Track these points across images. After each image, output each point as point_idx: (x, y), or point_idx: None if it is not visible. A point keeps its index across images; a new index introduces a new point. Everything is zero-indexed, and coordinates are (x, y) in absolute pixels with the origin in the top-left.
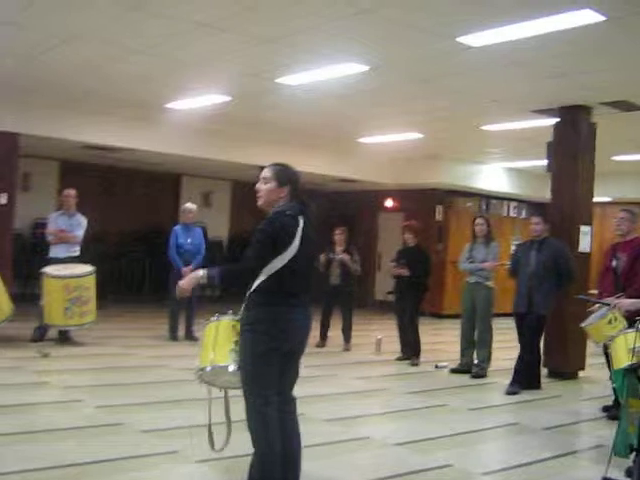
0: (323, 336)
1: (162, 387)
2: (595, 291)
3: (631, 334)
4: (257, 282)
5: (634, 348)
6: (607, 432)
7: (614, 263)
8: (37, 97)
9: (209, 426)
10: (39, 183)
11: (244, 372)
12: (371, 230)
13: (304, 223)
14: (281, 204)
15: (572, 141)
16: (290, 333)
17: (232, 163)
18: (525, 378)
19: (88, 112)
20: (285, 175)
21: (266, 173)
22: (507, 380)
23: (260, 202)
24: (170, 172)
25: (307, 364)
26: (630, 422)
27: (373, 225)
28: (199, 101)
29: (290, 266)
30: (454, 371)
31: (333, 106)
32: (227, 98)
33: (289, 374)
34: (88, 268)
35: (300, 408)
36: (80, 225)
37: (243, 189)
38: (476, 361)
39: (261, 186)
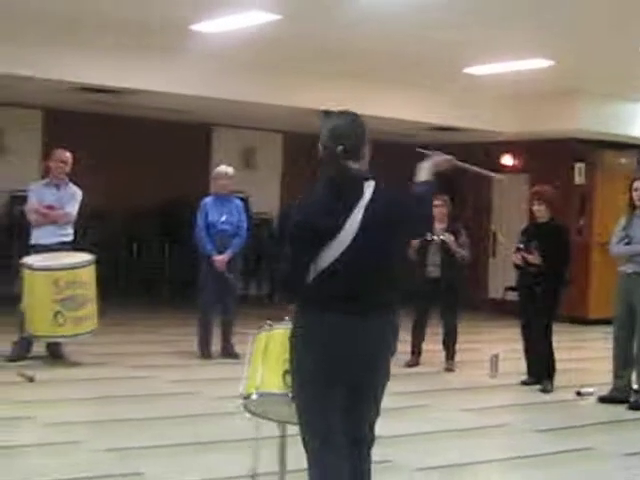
0: (416, 351)
1: (191, 423)
2: None
3: None
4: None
5: None
6: None
7: None
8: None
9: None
10: (17, 142)
11: (295, 402)
12: (482, 200)
13: (372, 196)
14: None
15: None
16: (338, 350)
17: (284, 108)
18: None
19: (79, 43)
20: (323, 129)
21: None
22: None
23: None
24: (197, 123)
25: (393, 390)
26: None
27: (485, 193)
28: (236, 21)
29: (342, 261)
30: (604, 400)
31: (424, 20)
32: (276, 16)
33: (359, 411)
34: (86, 257)
35: (384, 452)
36: (73, 199)
37: (300, 144)
38: (636, 386)
39: None
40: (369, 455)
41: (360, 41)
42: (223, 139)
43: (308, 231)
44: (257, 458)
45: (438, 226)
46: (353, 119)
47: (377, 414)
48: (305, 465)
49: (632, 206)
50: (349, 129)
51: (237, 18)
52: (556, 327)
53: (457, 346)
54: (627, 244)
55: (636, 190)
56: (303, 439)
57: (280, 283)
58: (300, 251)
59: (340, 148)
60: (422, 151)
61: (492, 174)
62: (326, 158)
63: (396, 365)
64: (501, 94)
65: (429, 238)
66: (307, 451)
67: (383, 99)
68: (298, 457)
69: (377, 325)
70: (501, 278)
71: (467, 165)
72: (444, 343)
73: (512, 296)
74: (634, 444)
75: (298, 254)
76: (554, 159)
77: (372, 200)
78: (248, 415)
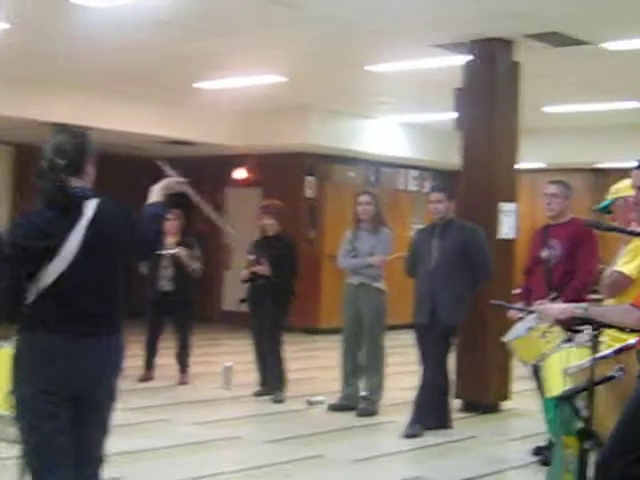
0: (149, 365)
1: None
2: (519, 290)
3: (566, 350)
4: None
5: (567, 369)
6: None
7: (545, 253)
8: None
9: None
10: None
11: (18, 423)
12: (216, 213)
13: (95, 214)
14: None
15: (488, 86)
16: (60, 371)
17: (13, 119)
18: (430, 414)
19: None
20: (48, 144)
21: None
22: (406, 418)
23: None
24: None
25: (126, 406)
26: (565, 468)
27: (219, 206)
28: None
29: (62, 282)
30: (334, 408)
31: (153, 35)
32: (3, 25)
33: (86, 431)
34: None
35: (117, 470)
36: None
37: (32, 157)
38: (364, 393)
39: None
40: (99, 475)
41: (91, 53)
42: None
43: (22, 252)
44: None
45: (170, 240)
46: (78, 135)
47: (106, 433)
48: None
49: (358, 220)
50: (72, 145)
51: None
52: (288, 337)
53: (191, 359)
54: (354, 257)
55: (361, 204)
56: (26, 460)
57: None
58: (14, 272)
59: (61, 163)
60: (160, 165)
61: (223, 224)
62: (46, 173)
63: (129, 380)
64: (234, 108)
65: (161, 252)
66: (31, 473)
67: (115, 112)
68: None
69: (101, 344)
70: (235, 290)
71: (200, 201)
72: (178, 356)
73: (245, 308)
74: (363, 450)
75: (12, 275)
76: (286, 173)
77: (94, 219)
78: None
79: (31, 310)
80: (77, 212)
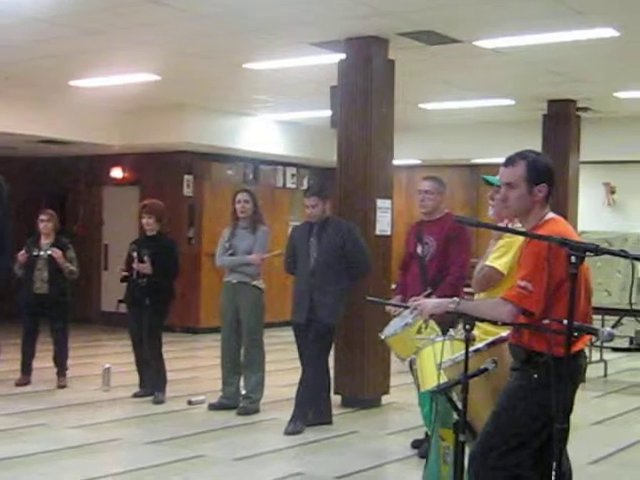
0: (26, 369)
1: None
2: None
3: (439, 344)
4: None
5: (441, 363)
6: (419, 475)
7: (419, 249)
8: None
9: None
10: None
11: None
12: (93, 213)
13: None
14: None
15: (363, 84)
16: None
17: None
18: (310, 411)
19: None
20: None
21: None
22: (287, 415)
23: None
24: None
25: (4, 412)
26: (442, 460)
27: (95, 206)
28: None
29: None
30: (214, 407)
31: (24, 33)
32: None
33: None
34: None
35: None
36: None
37: None
38: (244, 391)
39: None
40: None
41: None
42: None
43: None
44: None
45: (45, 241)
46: None
47: None
48: None
49: (236, 218)
50: None
51: None
52: (168, 337)
53: (69, 361)
54: (232, 255)
55: (240, 202)
56: None
57: None
58: None
59: None
60: None
61: None
62: None
63: (6, 385)
64: (109, 107)
65: (35, 254)
66: None
67: None
68: None
69: None
70: (114, 291)
71: None
72: (55, 359)
73: (124, 308)
74: (244, 448)
75: None
76: (164, 171)
77: None
78: None
79: None
80: None
